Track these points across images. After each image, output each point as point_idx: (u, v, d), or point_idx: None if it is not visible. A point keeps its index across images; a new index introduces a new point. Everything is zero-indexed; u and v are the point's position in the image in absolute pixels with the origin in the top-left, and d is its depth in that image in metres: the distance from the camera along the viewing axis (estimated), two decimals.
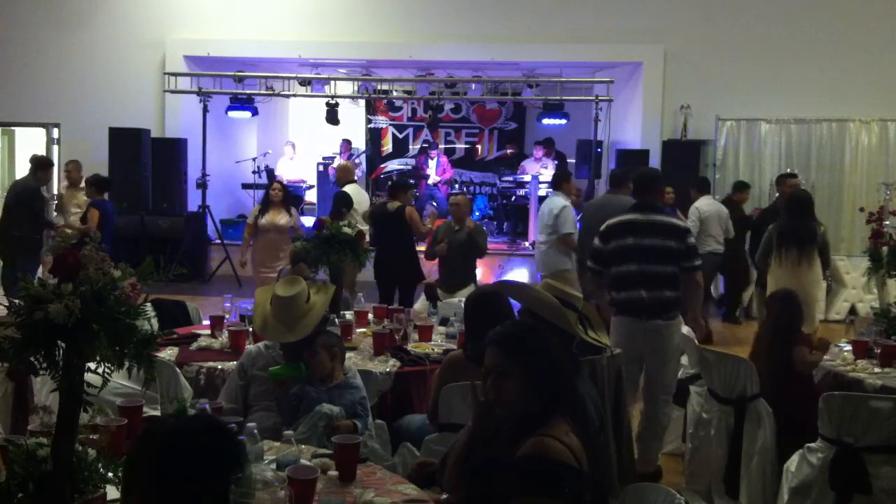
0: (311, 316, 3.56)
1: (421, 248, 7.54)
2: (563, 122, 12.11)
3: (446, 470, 2.58)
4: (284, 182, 13.03)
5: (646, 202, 4.78)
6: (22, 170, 14.99)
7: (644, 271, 4.60)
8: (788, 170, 10.90)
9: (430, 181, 13.50)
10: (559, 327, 3.09)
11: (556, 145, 13.64)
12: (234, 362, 3.81)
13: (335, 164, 8.53)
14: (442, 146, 14.85)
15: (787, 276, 5.98)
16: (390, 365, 4.18)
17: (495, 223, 13.52)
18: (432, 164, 13.66)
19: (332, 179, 12.55)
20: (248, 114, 12.26)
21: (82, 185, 9.55)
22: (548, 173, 13.03)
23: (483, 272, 9.48)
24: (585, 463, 2.23)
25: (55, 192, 10.83)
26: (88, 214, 8.50)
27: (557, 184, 7.79)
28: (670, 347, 4.64)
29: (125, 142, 11.44)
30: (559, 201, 7.47)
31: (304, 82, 12.08)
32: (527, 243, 12.15)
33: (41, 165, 8.59)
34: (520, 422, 2.33)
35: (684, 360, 5.01)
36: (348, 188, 8.09)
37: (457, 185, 13.71)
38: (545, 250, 7.53)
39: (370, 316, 5.18)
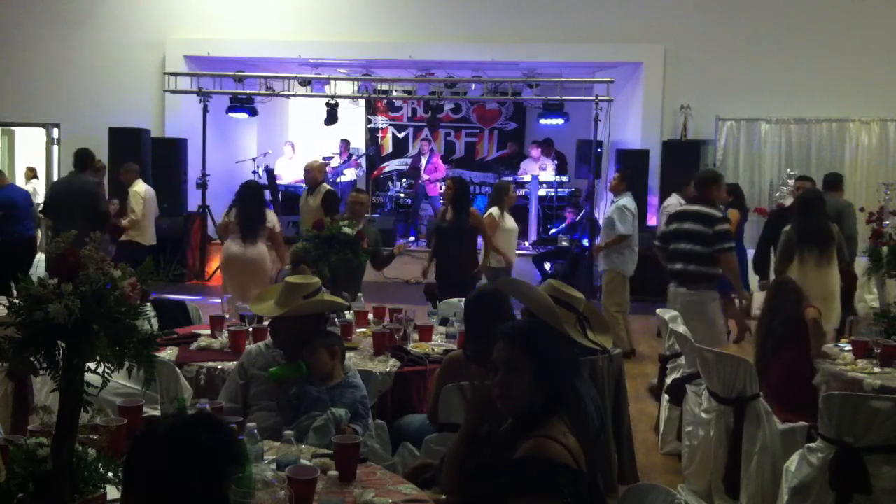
0: (306, 305, 3.56)
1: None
2: (563, 122, 12.12)
3: (443, 470, 2.58)
4: (285, 182, 13.14)
5: (698, 195, 6.00)
6: (21, 170, 15.06)
7: (681, 249, 5.78)
8: (789, 170, 10.93)
9: (420, 179, 13.49)
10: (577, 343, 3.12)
11: (555, 145, 13.65)
12: (234, 362, 3.80)
13: (309, 164, 8.12)
14: (440, 146, 14.85)
15: (810, 277, 6.03)
16: (390, 365, 4.17)
17: None
18: (424, 160, 13.64)
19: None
20: (248, 114, 12.27)
21: None
22: (546, 174, 13.05)
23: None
24: (584, 463, 2.23)
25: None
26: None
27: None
28: (694, 313, 5.61)
29: (125, 142, 11.42)
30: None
31: (304, 82, 12.07)
32: (527, 243, 12.15)
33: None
34: (518, 422, 2.32)
35: (682, 360, 5.02)
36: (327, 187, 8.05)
37: None
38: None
39: (370, 316, 5.17)
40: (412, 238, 12.57)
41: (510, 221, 7.73)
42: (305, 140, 14.63)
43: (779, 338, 4.62)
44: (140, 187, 9.27)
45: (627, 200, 7.68)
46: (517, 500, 2.16)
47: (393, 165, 15.05)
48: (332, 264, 5.36)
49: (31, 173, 14.45)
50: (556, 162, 13.34)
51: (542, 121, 12.37)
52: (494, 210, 7.62)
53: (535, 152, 13.41)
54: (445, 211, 7.14)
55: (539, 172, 12.95)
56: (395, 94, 12.36)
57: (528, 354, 2.33)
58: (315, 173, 7.96)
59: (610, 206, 7.93)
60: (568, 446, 2.20)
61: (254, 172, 12.95)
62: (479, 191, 14.51)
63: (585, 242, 10.96)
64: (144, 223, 9.08)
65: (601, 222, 8.09)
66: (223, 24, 12.06)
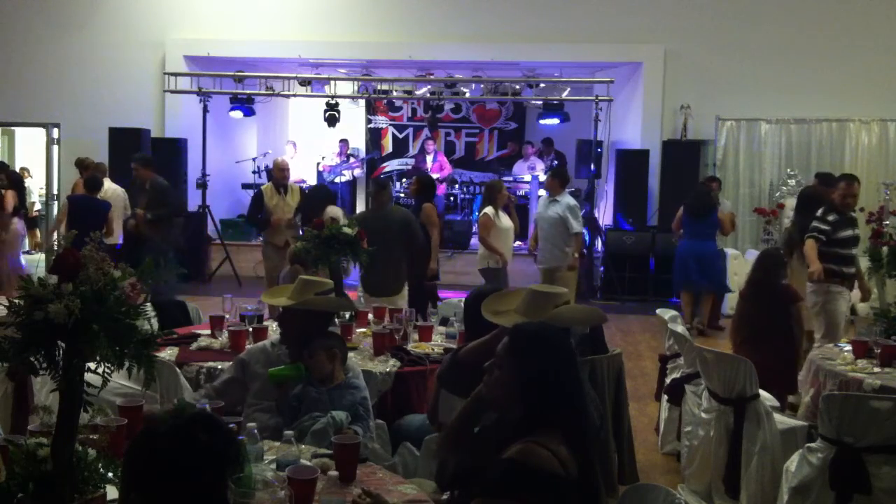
0: (316, 300, 3.60)
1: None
2: (563, 122, 12.11)
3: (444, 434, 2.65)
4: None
5: None
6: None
7: None
8: (789, 170, 10.95)
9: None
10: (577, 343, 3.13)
11: (555, 145, 13.65)
12: None
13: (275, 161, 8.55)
14: (440, 145, 14.84)
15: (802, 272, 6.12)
16: (390, 365, 4.17)
17: None
18: (429, 159, 13.64)
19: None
20: (244, 113, 12.27)
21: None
22: (542, 174, 13.03)
23: None
24: (574, 470, 2.20)
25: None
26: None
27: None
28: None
29: (125, 142, 11.42)
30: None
31: (304, 82, 12.07)
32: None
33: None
34: (514, 425, 2.31)
35: (681, 360, 5.02)
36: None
37: (456, 185, 13.69)
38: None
39: (370, 316, 5.17)
40: None
41: (505, 220, 7.72)
42: (305, 140, 14.63)
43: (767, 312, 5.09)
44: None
45: (571, 199, 8.00)
46: (491, 500, 2.15)
47: (393, 165, 15.04)
48: (332, 264, 5.35)
49: (25, 173, 14.46)
50: (556, 162, 13.33)
51: (542, 121, 12.37)
52: (489, 210, 7.61)
53: (529, 151, 13.43)
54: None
55: (530, 173, 12.94)
56: (395, 94, 12.37)
57: (511, 354, 2.35)
58: (288, 172, 8.52)
59: (549, 205, 7.95)
60: (557, 453, 2.17)
61: (254, 172, 12.95)
62: (478, 191, 14.50)
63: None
64: None
65: (536, 220, 8.32)
66: (223, 24, 12.07)
